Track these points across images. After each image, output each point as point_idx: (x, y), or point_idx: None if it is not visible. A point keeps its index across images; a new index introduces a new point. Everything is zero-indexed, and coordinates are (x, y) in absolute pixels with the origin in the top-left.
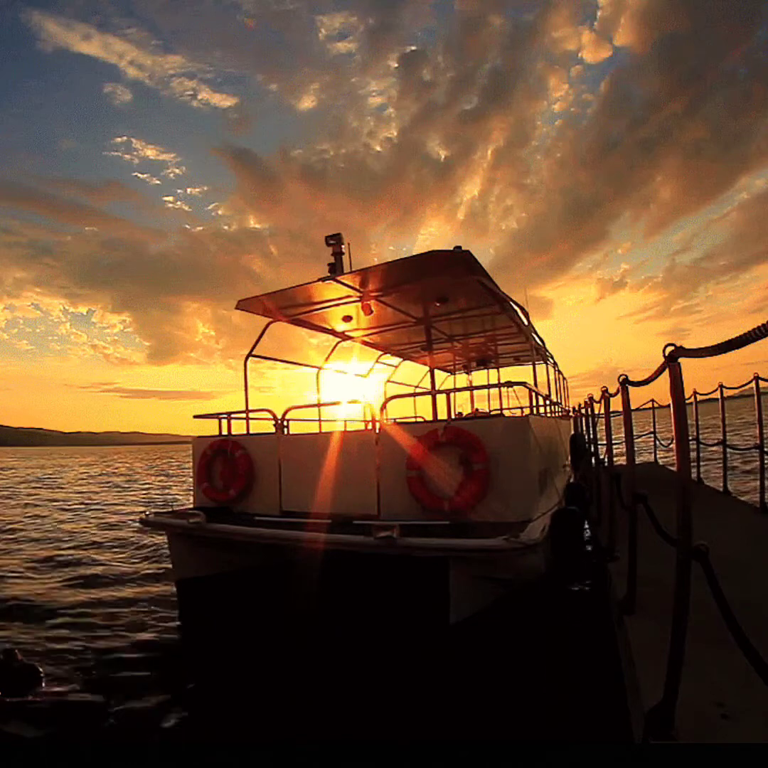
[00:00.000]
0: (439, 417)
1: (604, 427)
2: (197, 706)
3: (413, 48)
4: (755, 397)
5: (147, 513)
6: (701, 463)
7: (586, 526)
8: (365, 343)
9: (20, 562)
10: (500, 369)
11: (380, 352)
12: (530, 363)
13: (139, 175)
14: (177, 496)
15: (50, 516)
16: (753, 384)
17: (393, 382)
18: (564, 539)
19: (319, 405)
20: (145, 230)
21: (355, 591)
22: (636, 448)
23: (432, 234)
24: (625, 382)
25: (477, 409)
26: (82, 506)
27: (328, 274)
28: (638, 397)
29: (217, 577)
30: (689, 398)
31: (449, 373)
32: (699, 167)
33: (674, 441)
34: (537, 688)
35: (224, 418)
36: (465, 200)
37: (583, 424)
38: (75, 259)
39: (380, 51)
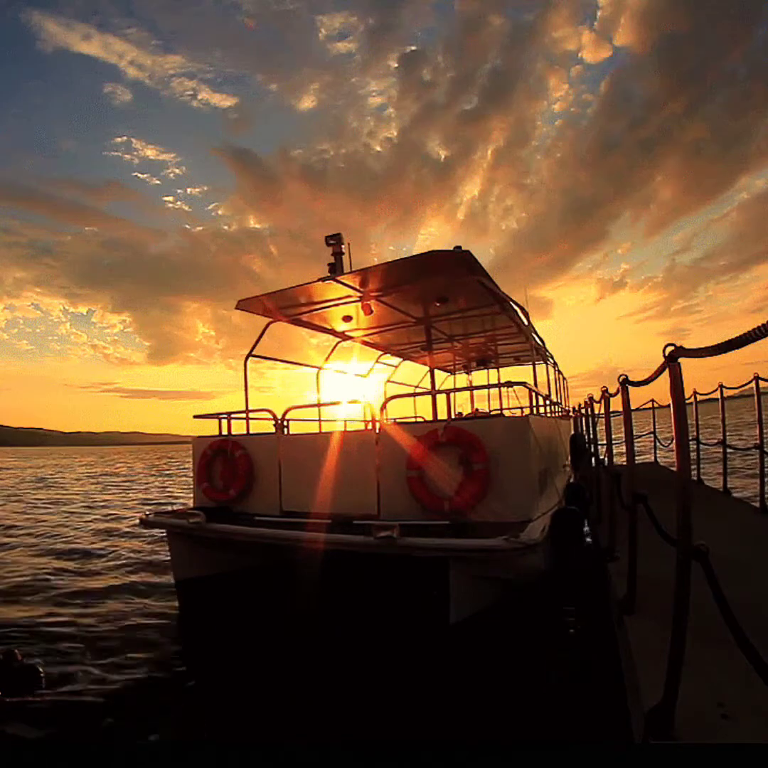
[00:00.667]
0: (439, 417)
1: (604, 427)
2: (197, 706)
3: (413, 48)
4: (755, 397)
5: (147, 513)
6: (701, 463)
7: (586, 526)
8: (365, 343)
9: (20, 562)
10: (500, 369)
11: (380, 352)
12: (530, 363)
13: (139, 175)
14: (177, 496)
15: (50, 516)
16: (753, 384)
17: (393, 382)
18: (564, 539)
19: (319, 405)
20: (145, 230)
21: (356, 591)
22: (636, 448)
23: (432, 234)
24: (625, 382)
25: (477, 409)
26: (82, 506)
27: (328, 274)
28: (638, 397)
29: (217, 577)
30: (689, 398)
31: (449, 373)
32: (699, 167)
33: (674, 441)
34: (537, 688)
35: (224, 418)
36: (465, 200)
37: (583, 424)
38: (75, 259)
39: (380, 51)
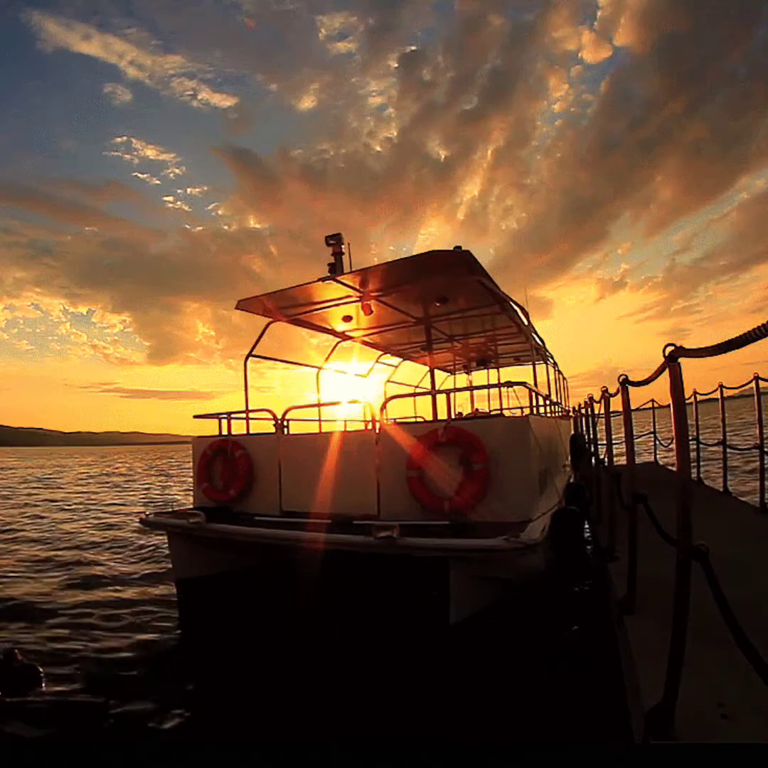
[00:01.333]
0: (439, 417)
1: (604, 427)
2: (197, 706)
3: (413, 48)
4: (755, 397)
5: (147, 513)
6: (701, 463)
7: (586, 526)
8: (365, 343)
9: (19, 562)
10: (500, 369)
11: (380, 352)
12: (530, 363)
13: (139, 175)
14: (177, 496)
15: (50, 516)
16: (753, 384)
17: (393, 382)
18: (564, 539)
19: (319, 405)
20: (145, 230)
21: (356, 591)
22: (636, 448)
23: (432, 234)
24: (625, 382)
25: (477, 409)
26: (82, 506)
27: (328, 274)
28: (638, 397)
29: (217, 577)
30: (689, 398)
31: (449, 373)
32: (699, 167)
33: (674, 441)
34: (537, 688)
35: (224, 418)
36: (465, 200)
37: (583, 424)
38: (75, 259)
39: (380, 51)
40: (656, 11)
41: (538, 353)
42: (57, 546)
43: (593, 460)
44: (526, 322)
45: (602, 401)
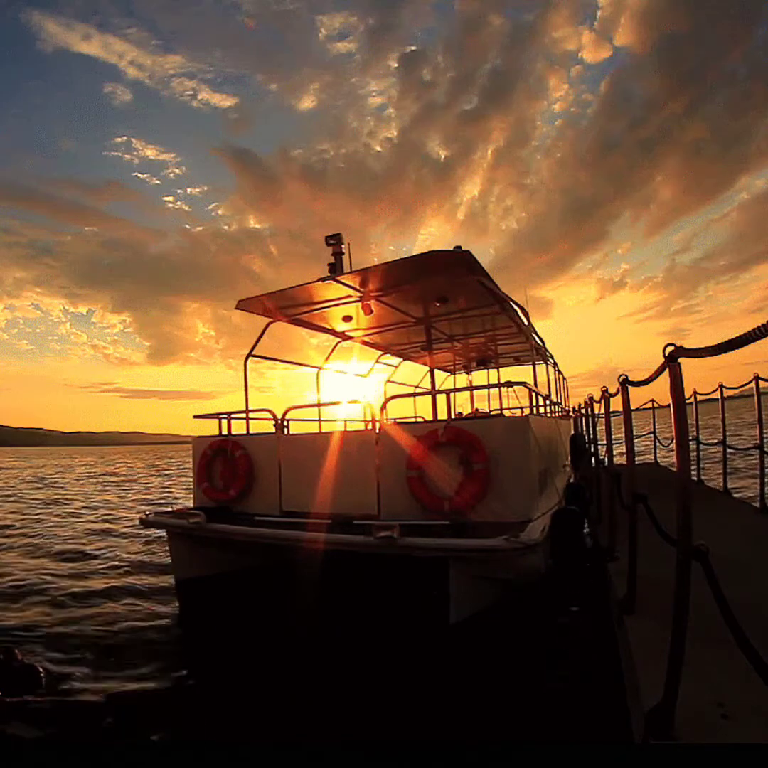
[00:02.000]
0: (439, 417)
1: (604, 427)
2: (197, 705)
3: (413, 48)
4: (755, 397)
5: (147, 513)
6: (701, 463)
7: (586, 526)
8: (365, 343)
9: (19, 562)
10: (500, 369)
11: (380, 352)
12: (530, 363)
13: (139, 175)
14: (177, 497)
15: (50, 516)
16: (753, 384)
17: (393, 382)
18: (564, 539)
19: (319, 405)
20: (145, 230)
21: (355, 591)
22: (636, 448)
23: (432, 234)
24: (625, 382)
25: (477, 409)
26: (82, 506)
27: (328, 274)
28: (638, 397)
29: (217, 577)
30: (689, 398)
31: (449, 373)
32: (699, 167)
33: (674, 441)
34: (537, 688)
35: (224, 418)
36: (465, 200)
37: (583, 424)
38: (75, 259)
39: (380, 51)
40: (656, 11)
41: (538, 353)
42: (56, 546)
43: (593, 460)
44: (526, 322)
45: (602, 401)
